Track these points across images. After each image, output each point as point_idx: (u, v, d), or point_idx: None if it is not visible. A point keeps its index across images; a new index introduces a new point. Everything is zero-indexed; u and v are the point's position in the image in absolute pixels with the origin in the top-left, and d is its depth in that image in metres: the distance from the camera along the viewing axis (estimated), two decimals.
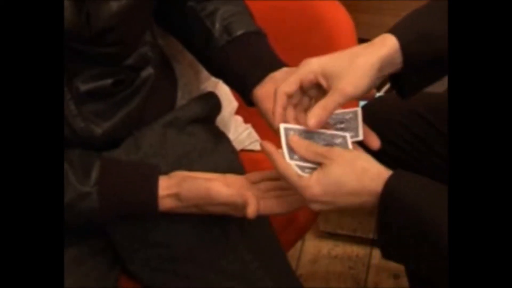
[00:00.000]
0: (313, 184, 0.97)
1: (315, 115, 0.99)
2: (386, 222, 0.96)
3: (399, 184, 0.95)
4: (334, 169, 0.97)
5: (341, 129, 1.06)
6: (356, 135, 1.04)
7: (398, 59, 1.02)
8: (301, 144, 1.01)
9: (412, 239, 0.94)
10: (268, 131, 1.16)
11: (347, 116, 1.05)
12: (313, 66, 1.02)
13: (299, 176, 0.99)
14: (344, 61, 1.01)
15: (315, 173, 0.98)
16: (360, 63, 1.00)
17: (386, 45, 1.01)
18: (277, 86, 1.03)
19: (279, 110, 1.03)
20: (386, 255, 0.99)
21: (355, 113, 1.06)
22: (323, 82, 1.02)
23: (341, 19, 1.40)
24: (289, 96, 1.04)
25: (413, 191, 0.94)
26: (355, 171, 0.97)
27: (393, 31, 1.03)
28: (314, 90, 1.05)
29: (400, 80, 1.05)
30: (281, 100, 1.03)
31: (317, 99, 1.04)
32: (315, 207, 0.99)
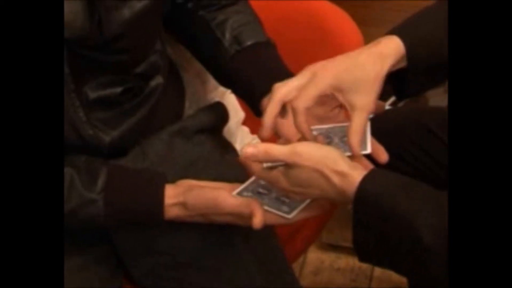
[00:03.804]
0: (281, 178, 0.99)
1: (355, 144, 1.00)
2: (361, 224, 0.96)
3: (372, 187, 0.95)
4: (301, 172, 0.98)
5: None
6: (364, 148, 1.04)
7: (402, 63, 1.03)
8: (260, 151, 1.00)
9: (389, 239, 0.94)
10: (274, 142, 1.16)
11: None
12: (331, 81, 1.02)
13: (268, 170, 1.01)
14: (356, 74, 1.02)
15: (281, 170, 0.99)
16: (371, 76, 1.01)
17: (392, 52, 1.02)
18: (293, 102, 1.02)
19: (304, 126, 1.03)
20: (363, 257, 0.99)
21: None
22: (339, 97, 1.03)
23: (349, 31, 1.40)
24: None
25: (386, 192, 0.94)
26: (323, 174, 0.97)
27: (398, 33, 1.04)
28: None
29: (402, 82, 1.06)
30: (303, 116, 1.02)
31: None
32: (290, 196, 1.02)
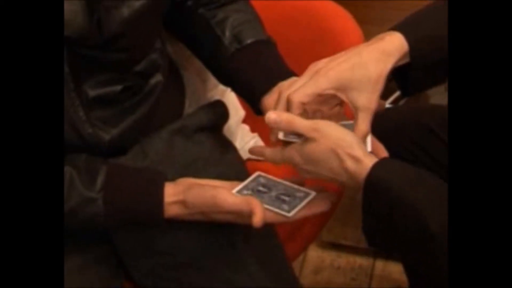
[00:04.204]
0: (295, 154, 1.00)
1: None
2: (370, 209, 0.97)
3: (383, 174, 0.96)
4: (317, 148, 0.99)
5: None
6: (364, 146, 1.04)
7: (405, 59, 1.04)
8: (282, 120, 1.02)
9: (396, 225, 0.95)
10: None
11: None
12: (332, 82, 1.03)
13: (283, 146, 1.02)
14: (359, 73, 1.02)
15: (297, 145, 1.00)
16: (374, 75, 1.02)
17: (396, 50, 1.03)
18: (290, 94, 1.03)
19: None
20: (371, 242, 1.00)
21: None
22: (342, 96, 1.03)
23: (350, 30, 1.40)
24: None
25: (396, 179, 0.95)
26: (338, 155, 0.98)
27: (401, 29, 1.04)
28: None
29: (405, 78, 1.06)
30: (298, 109, 1.03)
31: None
32: (301, 173, 1.03)
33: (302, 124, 1.00)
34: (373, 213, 0.97)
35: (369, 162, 0.97)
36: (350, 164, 0.97)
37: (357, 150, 0.98)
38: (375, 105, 1.02)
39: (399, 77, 1.08)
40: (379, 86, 1.02)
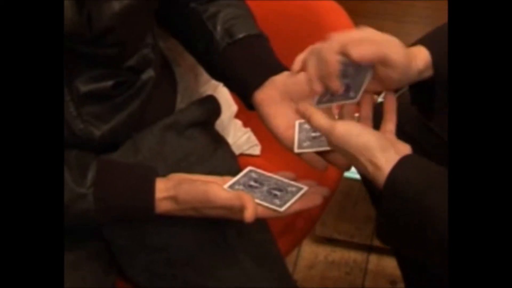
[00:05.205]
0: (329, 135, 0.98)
1: None
2: (387, 213, 0.96)
3: (403, 175, 0.94)
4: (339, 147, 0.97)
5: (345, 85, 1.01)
6: (355, 96, 1.00)
7: (428, 71, 1.02)
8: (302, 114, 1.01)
9: (411, 225, 0.94)
10: (267, 136, 1.15)
11: (357, 74, 1.00)
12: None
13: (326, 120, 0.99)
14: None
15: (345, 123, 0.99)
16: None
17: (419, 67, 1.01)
18: (324, 53, 0.98)
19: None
20: (380, 235, 1.00)
21: (366, 71, 1.00)
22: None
23: (342, 23, 1.40)
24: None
25: (416, 181, 0.93)
26: (358, 162, 0.96)
27: (424, 43, 1.02)
28: None
29: (429, 96, 1.04)
30: (335, 66, 0.98)
31: None
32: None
33: (320, 123, 0.98)
34: (389, 216, 0.95)
35: (388, 169, 0.94)
36: (371, 169, 0.96)
37: (379, 158, 0.95)
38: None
39: (421, 96, 1.06)
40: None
